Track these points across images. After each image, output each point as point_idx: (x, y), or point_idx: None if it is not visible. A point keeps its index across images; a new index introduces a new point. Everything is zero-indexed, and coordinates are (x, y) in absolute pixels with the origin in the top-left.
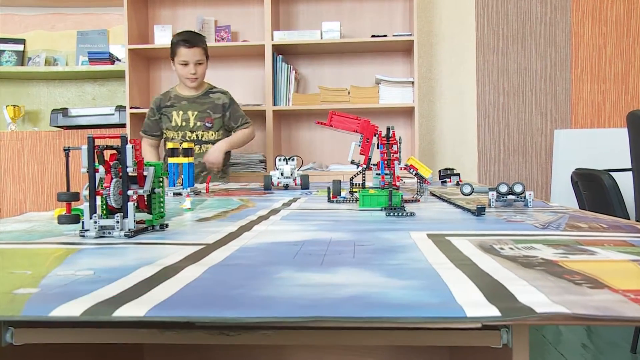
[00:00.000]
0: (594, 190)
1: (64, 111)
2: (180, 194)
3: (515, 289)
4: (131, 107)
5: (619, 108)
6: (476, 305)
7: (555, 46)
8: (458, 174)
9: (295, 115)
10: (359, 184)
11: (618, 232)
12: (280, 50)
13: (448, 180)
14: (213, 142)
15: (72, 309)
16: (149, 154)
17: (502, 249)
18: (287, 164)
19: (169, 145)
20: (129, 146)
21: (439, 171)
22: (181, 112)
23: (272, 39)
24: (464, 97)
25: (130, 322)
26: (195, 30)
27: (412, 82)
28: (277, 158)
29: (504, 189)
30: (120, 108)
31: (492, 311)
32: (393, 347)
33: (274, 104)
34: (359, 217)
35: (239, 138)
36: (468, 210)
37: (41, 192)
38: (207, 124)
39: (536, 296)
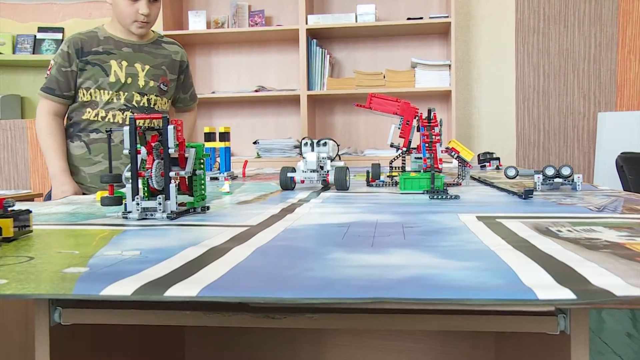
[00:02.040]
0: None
1: None
2: (217, 178)
3: (585, 271)
4: None
5: None
6: (547, 288)
7: (601, 25)
8: (498, 158)
9: (329, 100)
10: (398, 167)
11: None
12: (315, 34)
13: (487, 164)
14: None
15: (123, 289)
16: (48, 127)
17: (559, 231)
18: (312, 150)
19: (206, 129)
20: (170, 127)
21: (478, 155)
22: (125, 64)
23: (307, 23)
24: (502, 80)
25: (174, 304)
26: (229, 15)
27: (449, 65)
28: (303, 142)
29: (550, 171)
30: None
31: (565, 294)
32: (435, 331)
33: (309, 88)
34: (402, 200)
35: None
36: (514, 193)
37: None
38: (162, 86)
39: (611, 279)
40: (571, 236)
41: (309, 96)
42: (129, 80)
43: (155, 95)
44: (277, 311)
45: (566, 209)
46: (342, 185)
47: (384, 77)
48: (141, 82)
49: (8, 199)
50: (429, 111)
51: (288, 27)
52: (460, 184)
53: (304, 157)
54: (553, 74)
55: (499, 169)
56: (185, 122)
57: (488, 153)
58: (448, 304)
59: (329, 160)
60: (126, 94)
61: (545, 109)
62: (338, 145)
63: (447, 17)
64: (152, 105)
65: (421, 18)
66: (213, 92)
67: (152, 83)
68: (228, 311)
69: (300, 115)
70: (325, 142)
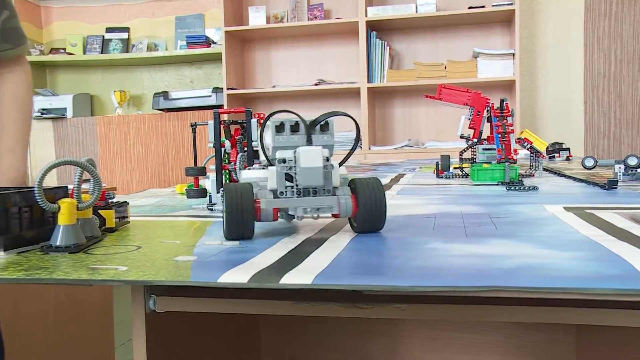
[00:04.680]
0: None
1: (165, 94)
2: None
3: None
4: (228, 89)
5: None
6: None
7: None
8: (568, 149)
9: (389, 92)
10: (468, 159)
11: None
12: (374, 26)
13: (557, 155)
14: None
15: (239, 276)
16: None
17: None
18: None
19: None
20: (253, 120)
21: (547, 146)
22: None
23: (366, 15)
24: (569, 67)
25: (254, 293)
26: (288, 9)
27: (513, 54)
28: (270, 123)
29: (634, 161)
30: (217, 90)
31: None
32: (511, 323)
33: (369, 81)
34: (477, 192)
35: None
36: (595, 184)
37: (145, 172)
38: None
39: None
40: None
41: (369, 89)
42: None
43: None
44: (365, 301)
45: None
46: (374, 223)
47: (445, 67)
48: None
49: (109, 191)
50: (502, 101)
51: (347, 20)
52: (534, 175)
53: (267, 162)
54: (626, 59)
55: (569, 159)
56: (25, 99)
57: (557, 143)
58: (566, 293)
59: (333, 165)
60: None
61: (617, 97)
62: (358, 128)
63: (511, 4)
64: None
65: (483, 6)
66: (273, 87)
67: None
68: (316, 301)
69: (360, 108)
70: (327, 123)
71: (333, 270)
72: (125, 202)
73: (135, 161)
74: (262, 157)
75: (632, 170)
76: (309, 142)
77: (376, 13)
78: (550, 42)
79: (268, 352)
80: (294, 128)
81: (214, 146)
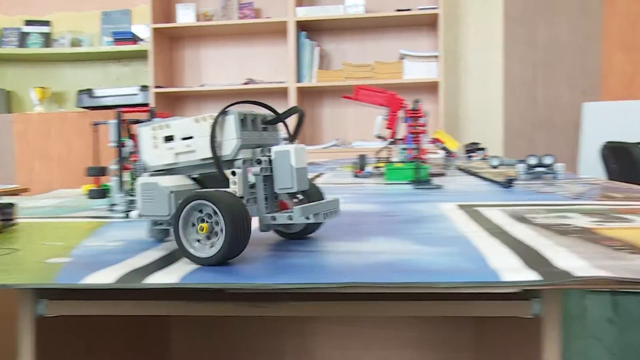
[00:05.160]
0: (624, 163)
1: (89, 92)
2: None
3: (552, 255)
4: (155, 87)
5: None
6: (513, 270)
7: (586, 16)
8: (483, 149)
9: (318, 92)
10: (384, 158)
11: None
12: (304, 27)
13: (474, 154)
14: None
15: (104, 277)
16: None
17: (534, 218)
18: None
19: None
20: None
21: (465, 146)
22: None
23: (295, 15)
24: (490, 70)
25: (160, 294)
26: (218, 7)
27: (437, 57)
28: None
29: (532, 161)
30: (144, 88)
31: (531, 275)
32: (418, 318)
33: (298, 80)
34: (386, 191)
35: None
36: (497, 182)
37: (68, 171)
38: None
39: (576, 261)
40: (545, 222)
41: (298, 88)
42: None
43: None
44: (260, 299)
45: (544, 197)
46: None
47: (373, 68)
48: None
49: (18, 192)
50: (415, 102)
51: (277, 20)
52: (445, 174)
53: (218, 165)
54: (540, 64)
55: (485, 159)
56: None
57: (474, 143)
58: (416, 286)
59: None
60: None
61: (532, 100)
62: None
63: (435, 8)
64: None
65: (410, 9)
66: (202, 85)
67: None
68: (211, 301)
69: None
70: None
71: (204, 270)
72: (11, 204)
73: (56, 161)
74: (154, 162)
75: (532, 169)
76: (276, 139)
77: (305, 13)
78: (472, 45)
79: (178, 356)
80: (255, 124)
81: (115, 146)
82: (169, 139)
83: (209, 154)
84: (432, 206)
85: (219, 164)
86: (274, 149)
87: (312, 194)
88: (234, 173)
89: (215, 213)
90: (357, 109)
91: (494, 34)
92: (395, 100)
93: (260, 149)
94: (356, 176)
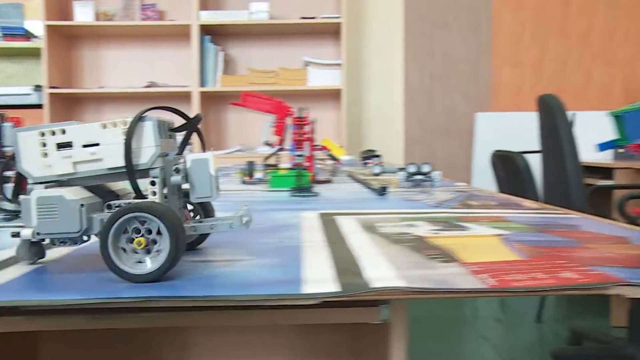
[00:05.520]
0: (510, 171)
1: None
2: None
3: (368, 265)
4: (50, 87)
5: (537, 92)
6: (320, 282)
7: (478, 33)
8: (378, 156)
9: (223, 97)
10: (272, 165)
11: (502, 209)
12: (208, 31)
13: (369, 161)
14: None
15: None
16: None
17: (382, 226)
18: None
19: None
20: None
21: (361, 153)
22: None
23: (199, 19)
24: (391, 80)
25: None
26: (119, 7)
27: (340, 64)
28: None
29: (412, 169)
30: (37, 88)
31: (332, 287)
32: (298, 326)
33: (201, 85)
34: (265, 198)
35: None
36: (375, 189)
37: None
38: None
39: (386, 272)
40: (388, 231)
41: (202, 93)
42: None
43: None
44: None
45: (408, 205)
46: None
47: (277, 74)
48: None
49: None
50: (300, 109)
51: (180, 23)
52: (332, 181)
53: (130, 174)
54: (437, 75)
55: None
56: None
57: (370, 151)
58: (218, 300)
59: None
60: None
61: (430, 109)
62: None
63: (338, 17)
64: None
65: (314, 17)
66: (101, 87)
67: None
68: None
69: (192, 112)
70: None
71: (17, 284)
72: None
73: None
74: (41, 173)
75: (411, 177)
76: (174, 147)
77: (209, 17)
78: (375, 55)
79: None
80: (164, 131)
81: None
82: (63, 145)
83: (119, 163)
84: (294, 215)
85: (133, 173)
86: (190, 156)
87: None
88: (153, 183)
89: (144, 224)
90: (261, 114)
91: (395, 44)
92: (282, 108)
93: (176, 156)
94: (244, 183)
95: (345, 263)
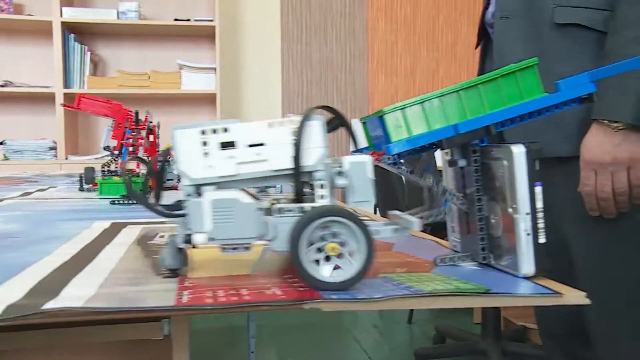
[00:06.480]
0: (381, 178)
1: None
2: None
3: (81, 282)
4: None
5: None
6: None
7: (354, 39)
8: None
9: None
10: (113, 171)
11: None
12: (72, 29)
13: None
14: None
15: None
16: None
17: (162, 235)
18: None
19: None
20: None
21: None
22: None
23: (62, 16)
24: (269, 85)
25: None
26: None
27: (215, 69)
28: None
29: None
30: None
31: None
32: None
33: (66, 86)
34: (87, 206)
35: None
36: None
37: None
38: None
39: (85, 290)
40: (161, 241)
41: (67, 94)
42: None
43: None
44: None
45: None
46: None
47: (149, 77)
48: None
49: None
50: (136, 113)
51: (40, 18)
52: (177, 188)
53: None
54: (315, 81)
55: None
56: None
57: None
58: None
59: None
60: None
61: None
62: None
63: (212, 20)
64: None
65: (188, 20)
66: None
67: None
68: None
69: (56, 114)
70: None
71: None
72: None
73: None
74: (201, 174)
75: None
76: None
77: (73, 14)
78: (252, 59)
79: None
80: None
81: None
82: (226, 145)
83: (285, 165)
84: (86, 224)
85: (300, 175)
86: (348, 159)
87: None
88: (322, 186)
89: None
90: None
91: (273, 50)
92: (121, 111)
93: (333, 159)
94: (82, 190)
95: (51, 281)
